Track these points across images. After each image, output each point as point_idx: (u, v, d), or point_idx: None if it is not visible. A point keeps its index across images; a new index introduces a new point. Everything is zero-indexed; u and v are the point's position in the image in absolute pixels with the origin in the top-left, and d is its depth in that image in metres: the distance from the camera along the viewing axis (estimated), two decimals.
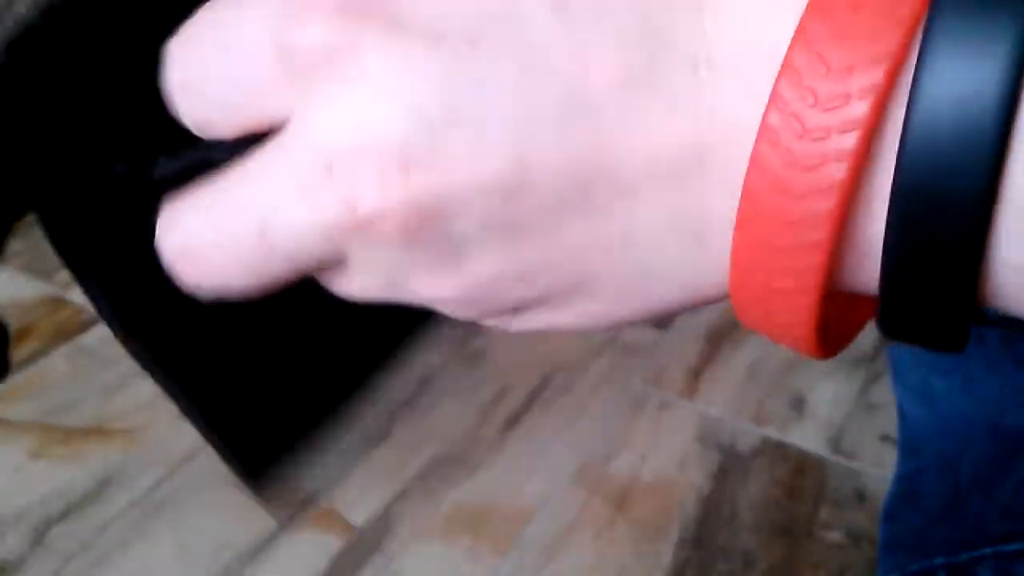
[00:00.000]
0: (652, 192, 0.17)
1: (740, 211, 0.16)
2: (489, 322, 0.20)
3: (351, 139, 0.16)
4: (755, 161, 0.15)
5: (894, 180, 0.14)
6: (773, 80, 0.15)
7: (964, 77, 0.14)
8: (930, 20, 0.14)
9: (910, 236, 0.14)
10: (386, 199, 0.16)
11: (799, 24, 0.15)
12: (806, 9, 0.15)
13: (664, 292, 0.18)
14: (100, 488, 0.66)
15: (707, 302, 0.19)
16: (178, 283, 0.19)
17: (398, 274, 0.18)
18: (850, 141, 0.14)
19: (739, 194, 0.16)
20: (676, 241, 0.17)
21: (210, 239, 0.18)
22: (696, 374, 0.78)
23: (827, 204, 0.15)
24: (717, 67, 0.16)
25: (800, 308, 0.16)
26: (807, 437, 0.72)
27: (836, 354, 0.18)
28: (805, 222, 0.15)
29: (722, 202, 0.16)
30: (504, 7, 0.16)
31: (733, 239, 0.16)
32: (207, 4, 0.18)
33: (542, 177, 0.16)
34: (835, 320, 0.18)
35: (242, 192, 0.18)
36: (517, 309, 0.19)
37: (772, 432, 0.73)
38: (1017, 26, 0.13)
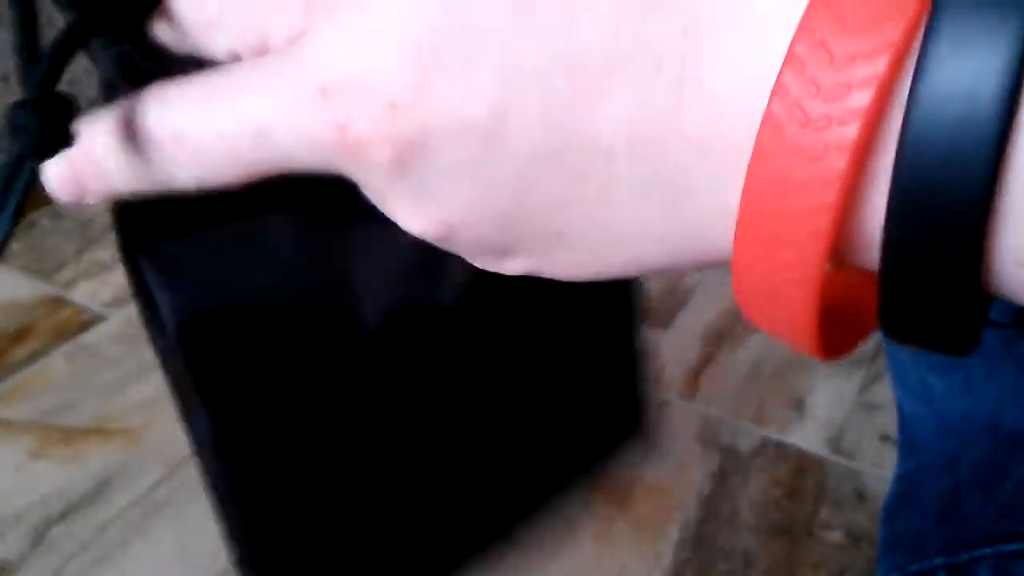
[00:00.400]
0: (629, 158, 0.17)
1: (742, 202, 0.16)
2: (477, 263, 0.20)
3: (348, 69, 0.17)
4: (758, 151, 0.15)
5: (894, 171, 0.14)
6: (763, 61, 0.15)
7: (966, 68, 0.14)
8: (934, 11, 0.14)
9: (909, 229, 0.14)
10: (373, 131, 0.17)
11: (804, 13, 0.15)
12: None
13: (641, 253, 0.19)
14: (100, 488, 0.66)
15: (687, 267, 0.19)
16: (164, 166, 0.20)
17: (383, 198, 0.19)
18: (851, 132, 0.14)
19: (719, 165, 0.16)
20: (650, 208, 0.17)
21: (209, 133, 0.19)
22: (696, 374, 0.78)
23: (827, 196, 0.15)
24: (705, 36, 0.16)
25: (799, 301, 0.16)
26: (807, 437, 0.72)
27: (839, 356, 0.18)
28: (806, 213, 0.15)
29: (700, 172, 0.17)
30: None
31: (736, 230, 0.16)
32: None
33: (520, 129, 0.17)
34: (838, 319, 0.18)
35: (243, 96, 0.19)
36: (500, 253, 0.20)
37: (772, 432, 0.73)
38: (1019, 19, 0.13)
